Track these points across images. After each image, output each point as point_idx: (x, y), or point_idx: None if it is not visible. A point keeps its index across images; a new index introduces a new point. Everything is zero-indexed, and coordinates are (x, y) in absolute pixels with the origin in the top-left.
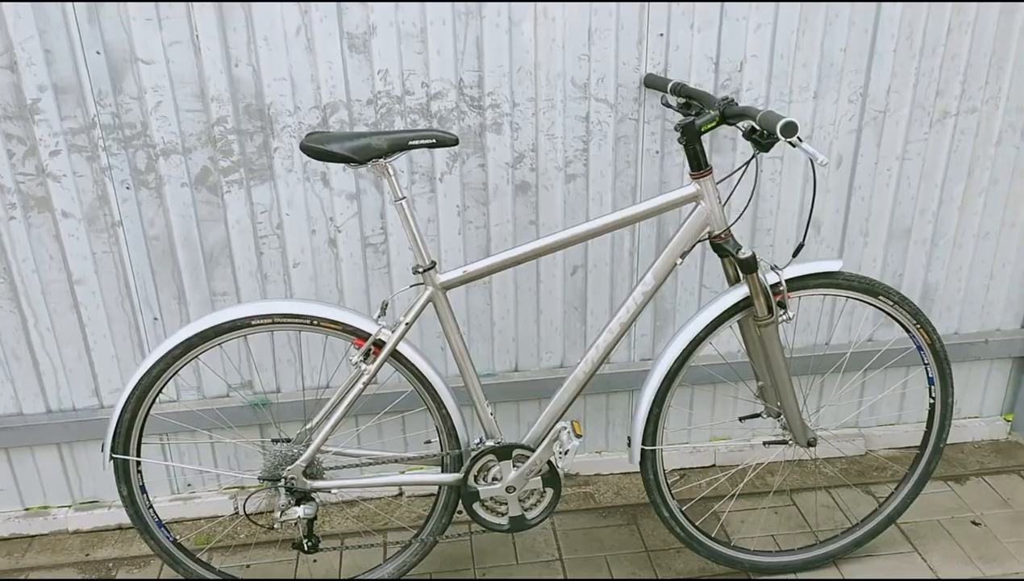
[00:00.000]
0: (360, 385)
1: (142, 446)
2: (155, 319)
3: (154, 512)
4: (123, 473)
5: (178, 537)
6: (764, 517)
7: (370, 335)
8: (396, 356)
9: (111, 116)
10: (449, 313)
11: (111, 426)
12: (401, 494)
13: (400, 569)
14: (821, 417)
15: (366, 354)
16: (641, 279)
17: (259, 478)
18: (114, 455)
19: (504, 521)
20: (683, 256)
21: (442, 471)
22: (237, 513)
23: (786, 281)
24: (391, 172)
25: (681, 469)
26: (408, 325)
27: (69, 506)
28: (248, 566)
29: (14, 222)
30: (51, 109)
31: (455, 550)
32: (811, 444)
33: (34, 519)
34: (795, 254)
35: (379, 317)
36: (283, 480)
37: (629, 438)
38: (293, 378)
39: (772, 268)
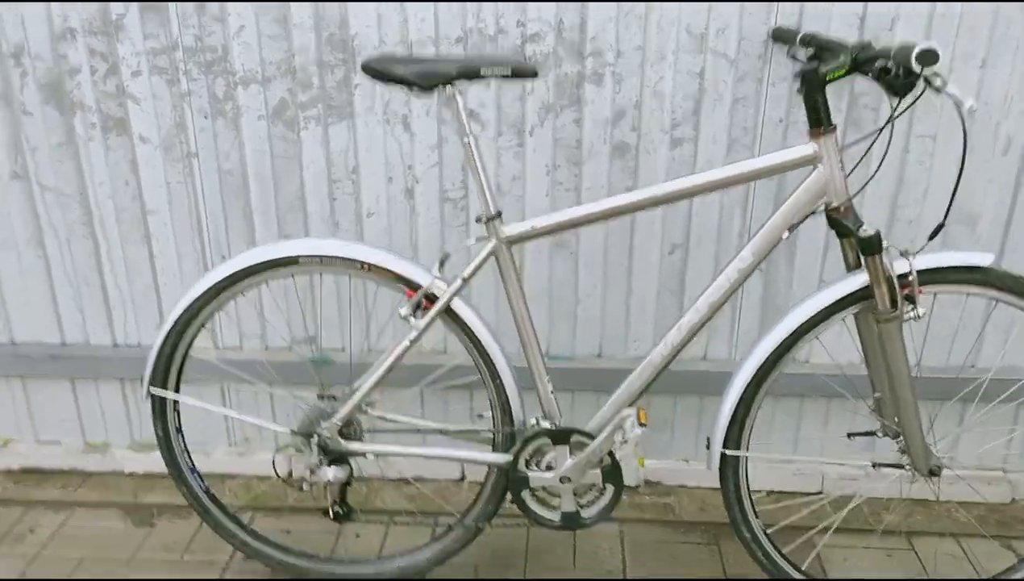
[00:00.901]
0: (407, 342)
1: (181, 384)
2: (223, 258)
3: (189, 457)
4: (159, 411)
5: (228, 492)
6: (872, 557)
7: (420, 286)
8: (450, 314)
9: (193, 38)
10: (513, 271)
11: (150, 358)
12: (463, 479)
13: (439, 555)
14: (958, 451)
15: (416, 307)
16: (739, 254)
17: (292, 431)
18: (152, 390)
19: (555, 516)
20: (791, 229)
21: (493, 451)
22: (288, 475)
23: (918, 271)
24: (460, 104)
25: (781, 492)
26: (465, 280)
27: (128, 446)
28: (288, 532)
29: (93, 144)
30: (135, 26)
31: (507, 544)
32: (933, 473)
33: (92, 455)
34: (932, 236)
35: (438, 271)
36: (316, 436)
37: (708, 439)
38: (361, 337)
39: (902, 254)
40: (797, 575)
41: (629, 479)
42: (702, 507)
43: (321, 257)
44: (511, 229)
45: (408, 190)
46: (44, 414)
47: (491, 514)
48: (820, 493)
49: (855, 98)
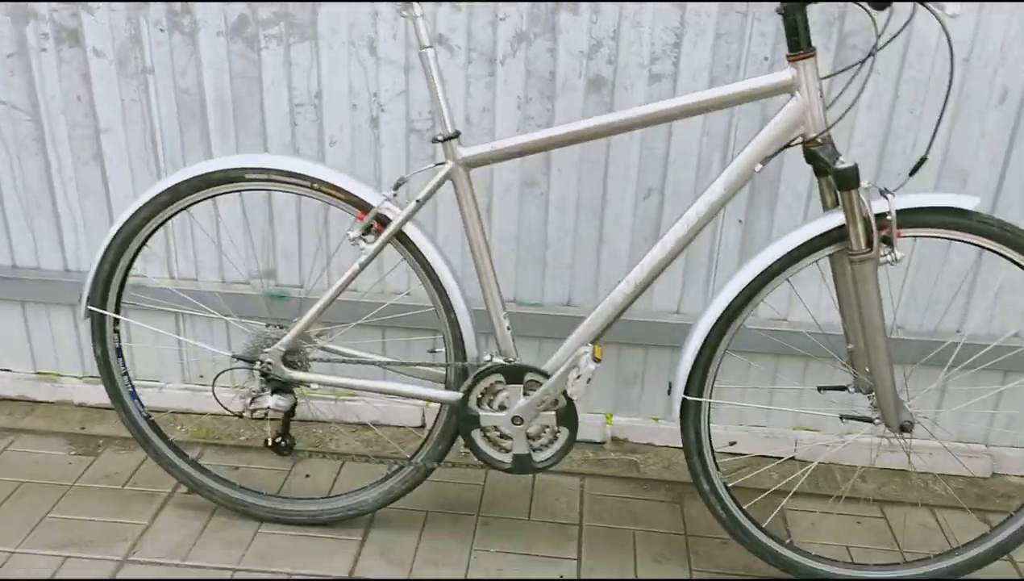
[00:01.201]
0: (356, 265)
1: (122, 304)
2: None
3: (129, 382)
4: (98, 330)
5: (179, 428)
6: (842, 524)
7: (372, 207)
8: (403, 241)
9: None
10: (470, 196)
11: (90, 275)
12: (424, 426)
13: (386, 496)
14: (940, 422)
15: (367, 230)
16: (708, 187)
17: (232, 355)
18: (90, 307)
19: (507, 459)
20: (765, 162)
21: (445, 388)
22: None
23: (897, 212)
24: (416, 8)
25: (752, 455)
26: (420, 202)
27: (79, 377)
28: (237, 468)
29: (45, 54)
30: None
31: (463, 494)
32: (904, 429)
33: (42, 384)
34: (914, 171)
35: (392, 194)
36: (259, 363)
37: (670, 384)
38: (319, 273)
39: (882, 193)
40: (757, 532)
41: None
42: (668, 466)
43: (268, 172)
44: (470, 151)
45: (373, 119)
46: None
47: (441, 455)
48: (792, 458)
49: (844, 38)
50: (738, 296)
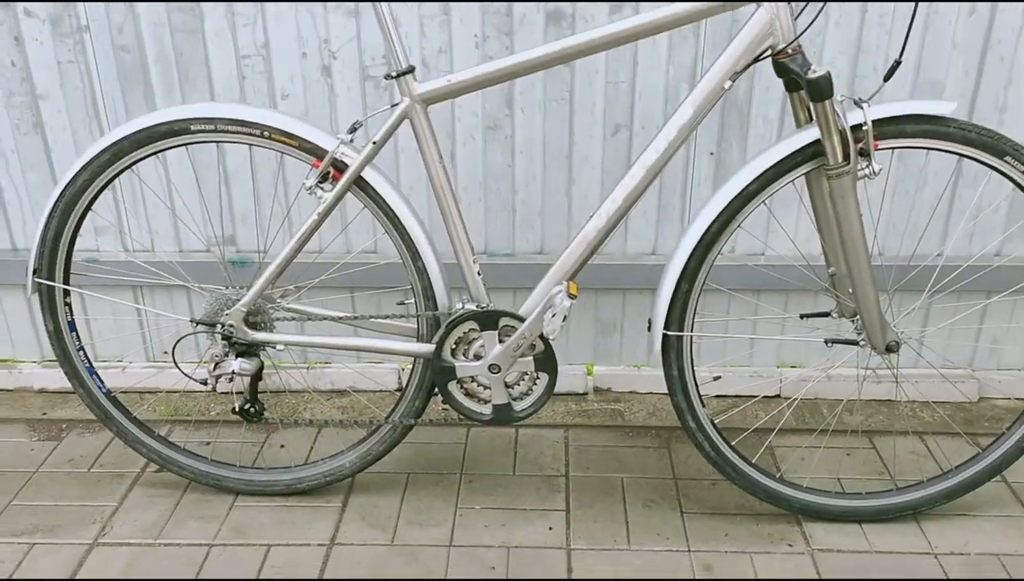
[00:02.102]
0: (315, 216)
1: (71, 275)
2: None
3: (85, 356)
4: (48, 303)
5: (146, 408)
6: (831, 457)
7: (328, 153)
8: (362, 186)
9: None
10: (430, 135)
11: (34, 245)
12: (401, 390)
13: (364, 458)
14: (926, 348)
15: (324, 177)
16: (677, 109)
17: (192, 320)
18: (38, 279)
19: (486, 410)
20: (734, 78)
21: (418, 341)
22: (210, 387)
23: (873, 122)
24: None
25: (737, 396)
26: (377, 145)
27: (37, 362)
28: (208, 444)
29: None
30: None
31: (445, 453)
32: (891, 350)
33: None
34: (888, 76)
35: (347, 138)
36: (220, 326)
37: (649, 321)
38: (282, 238)
39: (856, 103)
40: (746, 467)
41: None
42: (652, 413)
43: (214, 121)
44: (425, 86)
45: (325, 68)
46: None
47: (419, 411)
48: (778, 395)
49: None
50: (715, 221)
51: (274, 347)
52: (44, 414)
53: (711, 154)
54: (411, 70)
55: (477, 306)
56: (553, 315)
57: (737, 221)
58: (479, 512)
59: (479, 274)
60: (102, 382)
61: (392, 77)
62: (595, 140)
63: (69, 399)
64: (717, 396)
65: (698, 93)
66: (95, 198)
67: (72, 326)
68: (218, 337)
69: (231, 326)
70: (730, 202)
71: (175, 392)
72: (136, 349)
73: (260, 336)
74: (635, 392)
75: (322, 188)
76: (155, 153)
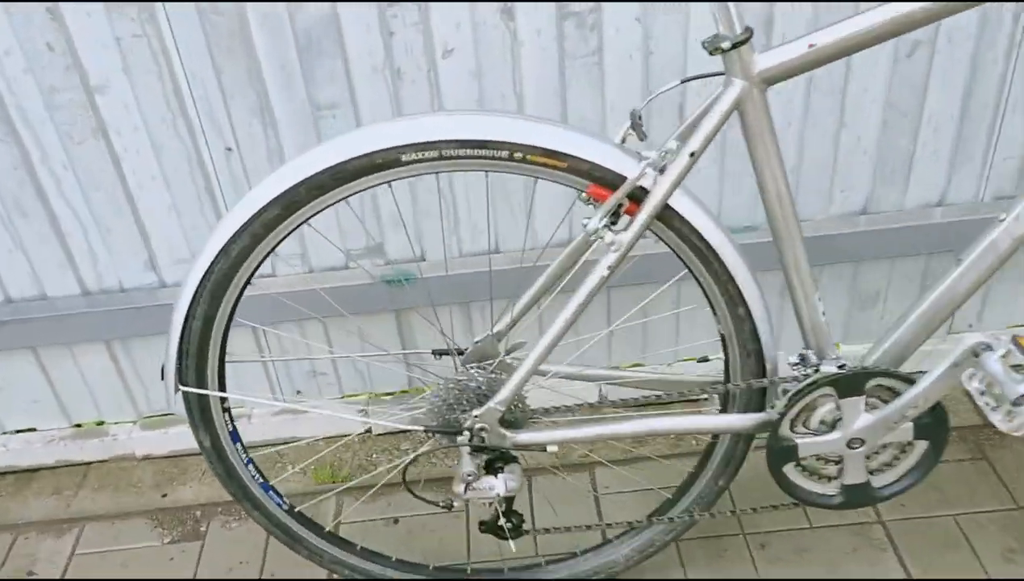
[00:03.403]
0: (604, 271)
1: (226, 377)
2: (228, 149)
3: (256, 468)
4: (200, 414)
5: (289, 468)
6: None
7: (623, 178)
8: (662, 217)
9: None
10: (768, 129)
11: (171, 344)
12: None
13: (642, 551)
14: None
15: (614, 214)
16: None
17: (426, 430)
18: (183, 388)
19: (832, 491)
20: None
21: (723, 410)
22: (368, 432)
23: None
24: None
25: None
26: (695, 156)
27: (133, 421)
28: (396, 521)
29: None
30: None
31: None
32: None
33: (87, 440)
34: None
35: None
36: (468, 434)
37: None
38: (443, 237)
39: None
40: None
41: None
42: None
43: (439, 145)
44: (769, 59)
45: (504, 6)
46: None
47: (714, 498)
48: None
49: None
50: None
51: (543, 450)
52: (164, 495)
53: None
54: (749, 36)
55: (837, 365)
56: (982, 392)
57: None
58: None
59: (823, 314)
60: (282, 498)
61: (719, 50)
62: (881, 65)
63: (186, 466)
64: None
65: None
66: (256, 269)
67: (235, 436)
68: (464, 451)
69: (484, 432)
70: None
71: (323, 440)
72: (259, 385)
73: (524, 438)
74: None
75: (612, 229)
76: (344, 198)
